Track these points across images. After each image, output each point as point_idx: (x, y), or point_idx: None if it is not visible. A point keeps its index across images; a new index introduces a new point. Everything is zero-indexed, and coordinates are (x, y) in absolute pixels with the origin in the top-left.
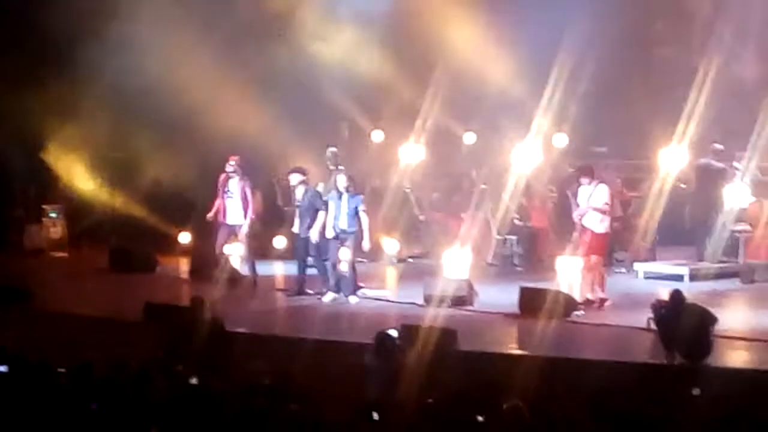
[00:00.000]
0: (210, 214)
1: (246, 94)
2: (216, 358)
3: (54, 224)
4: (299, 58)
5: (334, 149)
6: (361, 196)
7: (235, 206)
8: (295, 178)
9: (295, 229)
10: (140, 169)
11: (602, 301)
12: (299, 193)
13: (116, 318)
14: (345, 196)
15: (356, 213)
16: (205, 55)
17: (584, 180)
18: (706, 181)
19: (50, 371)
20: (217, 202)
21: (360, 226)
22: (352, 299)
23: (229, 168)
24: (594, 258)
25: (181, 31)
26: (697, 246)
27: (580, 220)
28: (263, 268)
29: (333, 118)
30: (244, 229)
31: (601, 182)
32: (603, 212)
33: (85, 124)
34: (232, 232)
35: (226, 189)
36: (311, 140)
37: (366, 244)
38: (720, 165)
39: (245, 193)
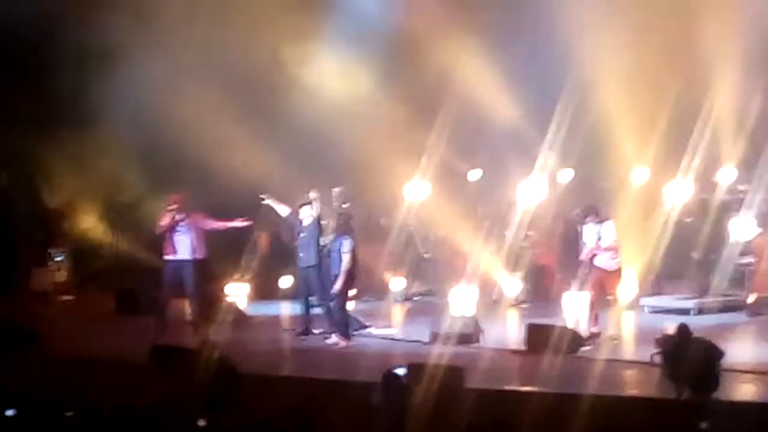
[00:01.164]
0: None
1: (252, 135)
2: (225, 399)
3: (59, 267)
4: (305, 99)
5: (339, 189)
6: (348, 239)
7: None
8: (305, 212)
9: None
10: (145, 212)
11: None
12: (305, 222)
13: (123, 361)
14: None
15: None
16: (212, 97)
17: (590, 219)
18: (711, 214)
19: (59, 414)
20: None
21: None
22: (341, 341)
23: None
24: (610, 297)
25: (188, 72)
26: (702, 279)
27: (590, 259)
28: (270, 308)
29: (339, 156)
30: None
31: (607, 219)
32: (614, 250)
33: (91, 168)
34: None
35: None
36: (317, 179)
37: (336, 287)
38: (725, 197)
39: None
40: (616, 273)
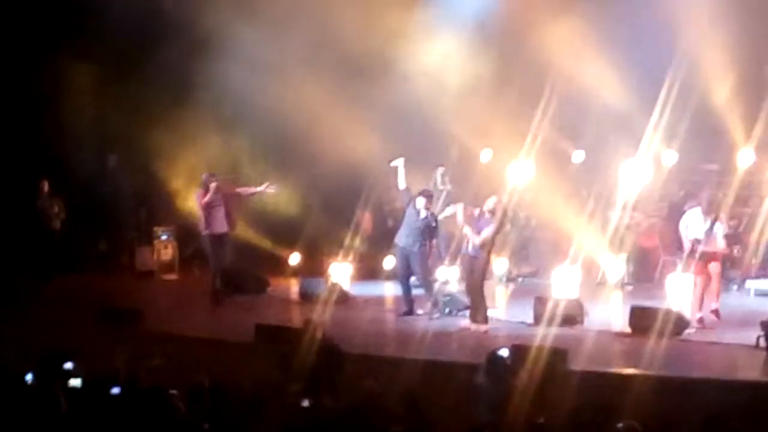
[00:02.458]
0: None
1: (355, 118)
2: (328, 379)
3: (165, 246)
4: (407, 82)
5: (442, 169)
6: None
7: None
8: (420, 202)
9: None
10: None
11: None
12: (422, 213)
13: (227, 340)
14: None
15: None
16: (315, 80)
17: (694, 205)
18: None
19: (163, 393)
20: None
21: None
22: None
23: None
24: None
25: (294, 56)
26: None
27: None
28: (373, 288)
29: (442, 138)
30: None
31: (716, 217)
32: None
33: (197, 147)
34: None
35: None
36: (420, 162)
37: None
38: None
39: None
40: (720, 254)
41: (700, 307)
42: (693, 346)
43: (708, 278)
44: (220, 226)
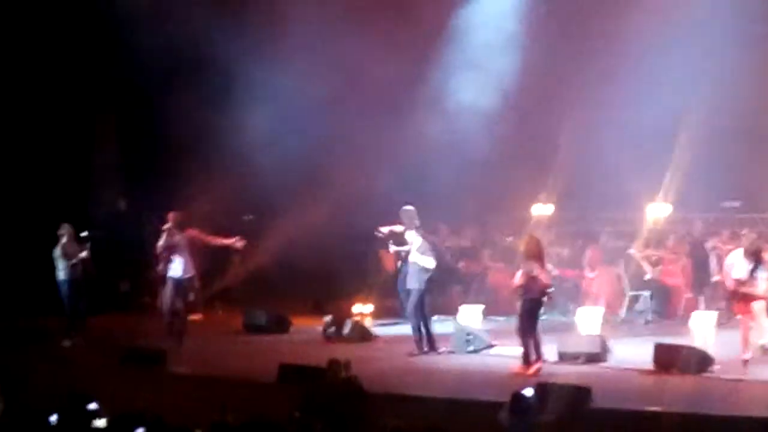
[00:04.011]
0: None
1: (376, 154)
2: (354, 417)
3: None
4: (430, 116)
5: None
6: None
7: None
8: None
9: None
10: (271, 231)
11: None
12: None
13: (251, 379)
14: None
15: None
16: (337, 115)
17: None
18: None
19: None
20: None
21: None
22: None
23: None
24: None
25: (316, 95)
26: None
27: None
28: (396, 328)
29: (466, 176)
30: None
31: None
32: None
33: (218, 188)
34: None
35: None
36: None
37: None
38: None
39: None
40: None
41: (746, 348)
42: (718, 383)
43: (752, 318)
44: (178, 270)
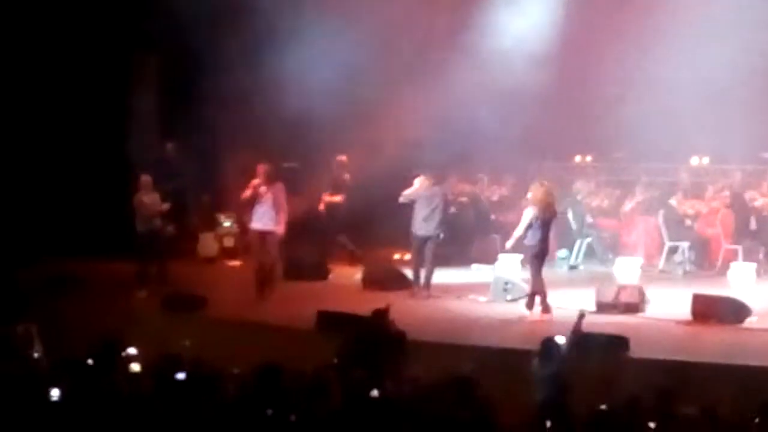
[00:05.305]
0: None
1: (420, 104)
2: (395, 367)
3: (227, 233)
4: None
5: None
6: None
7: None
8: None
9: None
10: (312, 180)
11: None
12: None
13: (290, 326)
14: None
15: None
16: (381, 66)
17: None
18: None
19: (227, 378)
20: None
21: None
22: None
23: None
24: None
25: (357, 47)
26: None
27: None
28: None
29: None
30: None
31: None
32: None
33: (259, 136)
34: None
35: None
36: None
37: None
38: None
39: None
40: None
41: None
42: (755, 334)
43: None
44: (264, 222)
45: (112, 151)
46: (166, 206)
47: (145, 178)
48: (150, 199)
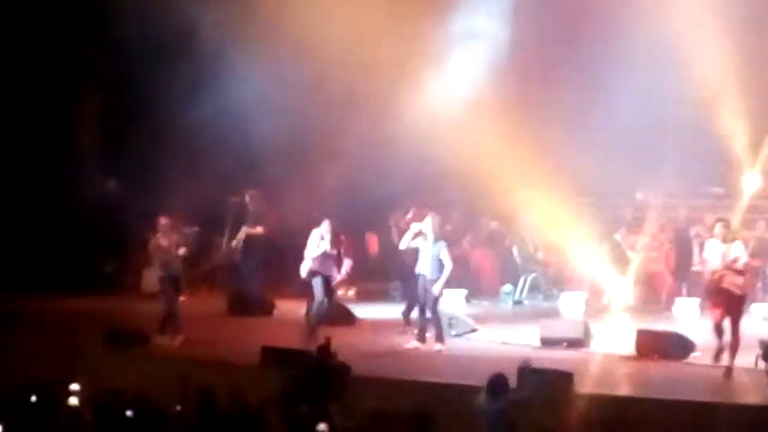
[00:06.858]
0: None
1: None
2: (338, 401)
3: None
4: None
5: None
6: (444, 242)
7: None
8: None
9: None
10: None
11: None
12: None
13: (233, 361)
14: (430, 240)
15: (439, 259)
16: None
17: (717, 234)
18: None
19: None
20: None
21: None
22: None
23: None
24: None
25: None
26: None
27: (717, 280)
28: (379, 310)
29: (452, 163)
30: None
31: (734, 239)
32: (745, 273)
33: (203, 167)
34: None
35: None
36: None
37: (436, 289)
38: None
39: None
40: (743, 299)
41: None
42: (699, 370)
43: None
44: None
45: (53, 188)
46: (183, 251)
47: (164, 220)
48: (168, 241)
